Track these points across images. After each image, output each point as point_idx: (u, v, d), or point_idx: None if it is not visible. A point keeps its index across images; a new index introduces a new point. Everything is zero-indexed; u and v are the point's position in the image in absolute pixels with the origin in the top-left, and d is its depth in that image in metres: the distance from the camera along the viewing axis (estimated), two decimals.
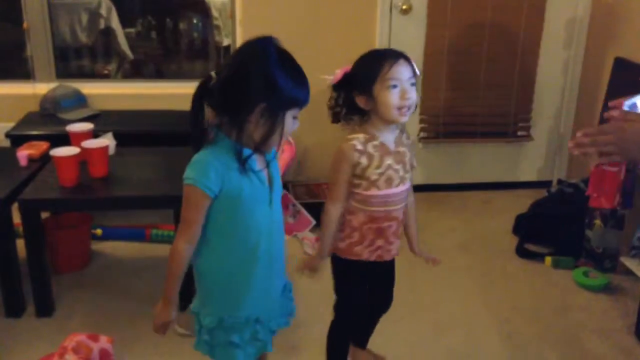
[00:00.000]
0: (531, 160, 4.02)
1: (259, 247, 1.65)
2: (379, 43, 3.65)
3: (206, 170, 1.53)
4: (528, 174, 4.05)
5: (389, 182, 1.90)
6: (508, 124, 3.92)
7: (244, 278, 1.67)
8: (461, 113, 3.85)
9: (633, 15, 3.38)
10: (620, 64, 3.41)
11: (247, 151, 1.57)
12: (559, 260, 3.10)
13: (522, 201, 3.63)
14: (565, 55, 3.82)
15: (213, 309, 1.68)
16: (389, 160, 1.89)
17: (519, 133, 3.95)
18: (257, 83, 1.51)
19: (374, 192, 1.90)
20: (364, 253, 1.98)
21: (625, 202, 2.89)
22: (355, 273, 2.04)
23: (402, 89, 1.82)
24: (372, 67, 1.85)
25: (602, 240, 3.04)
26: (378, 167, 1.88)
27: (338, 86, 1.93)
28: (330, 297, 2.86)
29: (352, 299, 2.10)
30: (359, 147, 1.86)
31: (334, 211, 1.92)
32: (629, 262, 2.95)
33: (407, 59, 1.85)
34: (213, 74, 1.56)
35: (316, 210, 3.46)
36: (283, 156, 3.49)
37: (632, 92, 2.88)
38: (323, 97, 3.91)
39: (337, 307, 2.15)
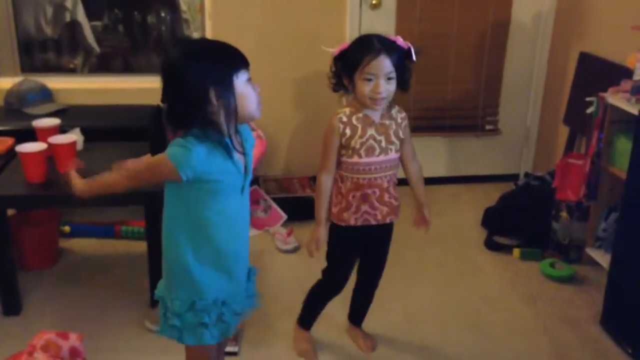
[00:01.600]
0: (499, 154, 4.07)
1: (230, 232, 1.70)
2: (349, 37, 3.65)
3: (187, 153, 1.56)
4: (496, 168, 4.10)
5: (371, 150, 2.09)
6: (476, 117, 3.97)
7: (213, 262, 1.70)
8: (429, 107, 3.88)
9: (598, 10, 3.44)
10: (585, 59, 3.48)
11: (228, 141, 1.62)
12: (526, 252, 3.16)
13: (491, 194, 3.69)
14: (531, 50, 3.88)
15: (182, 294, 1.71)
16: (371, 131, 2.08)
17: (487, 127, 4.00)
18: (195, 77, 1.55)
19: (356, 159, 2.09)
20: (351, 219, 2.16)
21: (590, 194, 2.97)
22: (345, 239, 2.22)
23: (375, 84, 1.99)
24: (355, 56, 2.01)
25: (568, 232, 3.10)
26: (361, 136, 2.07)
27: (335, 60, 2.08)
28: (300, 292, 2.88)
29: (339, 263, 2.28)
30: (344, 119, 2.08)
31: (324, 180, 2.14)
32: (594, 253, 3.02)
33: (390, 52, 1.99)
34: (161, 104, 1.61)
35: (288, 205, 3.48)
36: (254, 151, 3.47)
37: (597, 86, 2.96)
38: (292, 93, 3.93)
39: (325, 270, 2.32)
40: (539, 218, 3.22)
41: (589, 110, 2.94)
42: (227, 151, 1.60)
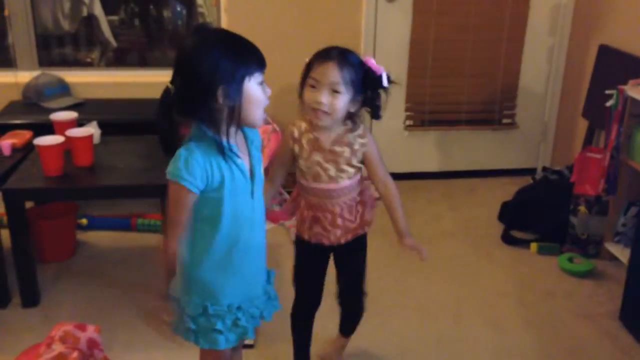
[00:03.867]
0: (516, 148, 4.04)
1: (240, 237, 1.66)
2: (365, 31, 3.64)
3: (190, 167, 1.53)
4: (513, 162, 4.07)
5: (316, 177, 1.91)
6: (493, 111, 3.94)
7: (226, 268, 1.67)
8: (446, 101, 3.85)
9: (617, 2, 3.40)
10: (605, 51, 3.44)
11: (228, 144, 1.58)
12: (544, 246, 3.13)
13: (507, 188, 3.66)
14: (550, 43, 3.84)
15: (196, 298, 1.69)
16: (317, 157, 1.89)
17: (504, 121, 3.97)
18: (206, 71, 1.51)
19: (304, 182, 1.94)
20: (305, 233, 2.02)
21: (609, 188, 2.93)
22: (302, 251, 2.08)
23: (316, 92, 1.82)
24: (309, 62, 1.88)
25: (587, 227, 3.07)
26: (306, 160, 1.90)
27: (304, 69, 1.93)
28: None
29: (297, 282, 2.15)
30: (296, 135, 1.92)
31: (266, 187, 1.83)
32: (613, 248, 2.99)
33: (344, 64, 1.81)
34: (169, 85, 1.56)
35: None
36: (270, 145, 3.48)
37: (616, 79, 2.92)
38: None
39: (293, 283, 2.17)
40: (556, 212, 3.18)
41: (609, 104, 2.90)
42: (223, 153, 1.56)
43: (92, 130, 2.70)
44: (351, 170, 1.92)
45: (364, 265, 2.15)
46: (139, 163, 2.75)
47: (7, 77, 3.55)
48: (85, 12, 4.08)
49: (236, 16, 3.58)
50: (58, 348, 1.98)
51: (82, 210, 3.23)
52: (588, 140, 3.54)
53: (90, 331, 2.11)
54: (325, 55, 1.84)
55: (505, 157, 4.06)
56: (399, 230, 1.99)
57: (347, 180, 1.93)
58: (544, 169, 3.77)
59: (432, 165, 3.99)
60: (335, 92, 1.81)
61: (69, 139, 2.59)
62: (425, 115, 3.85)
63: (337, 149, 1.89)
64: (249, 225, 1.67)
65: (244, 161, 1.63)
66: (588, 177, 3.04)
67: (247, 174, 1.64)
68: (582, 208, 3.07)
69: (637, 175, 2.85)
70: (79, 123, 2.86)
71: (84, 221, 3.19)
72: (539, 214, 3.27)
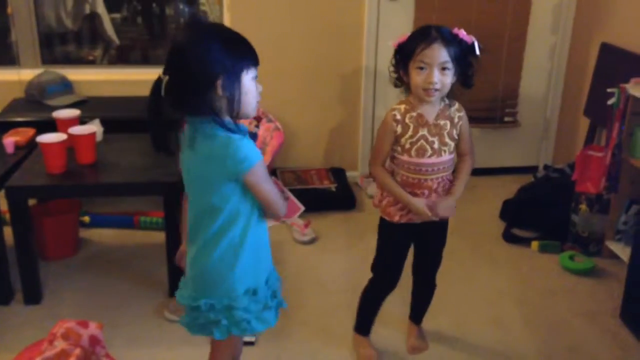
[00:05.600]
0: (518, 146, 4.04)
1: (262, 218, 1.71)
2: (367, 28, 3.64)
3: (250, 145, 1.58)
4: (515, 159, 4.07)
5: (421, 152, 2.02)
6: (495, 109, 3.94)
7: (260, 242, 1.71)
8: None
9: (619, 0, 3.39)
10: (607, 49, 3.43)
11: (243, 127, 1.62)
12: (545, 244, 3.13)
13: (509, 186, 3.66)
14: (552, 41, 3.84)
15: (241, 286, 1.68)
16: (423, 132, 2.02)
17: (506, 119, 3.97)
18: (207, 64, 1.53)
19: (405, 158, 2.04)
20: (396, 215, 2.10)
21: (610, 186, 2.93)
22: (391, 234, 2.16)
23: (428, 73, 1.93)
24: (411, 45, 1.96)
25: (588, 225, 3.07)
26: (412, 137, 2.02)
27: (395, 53, 2.03)
28: (316, 283, 2.89)
29: (385, 259, 2.23)
30: (398, 117, 2.02)
31: (379, 171, 2.09)
32: (614, 246, 2.99)
33: (447, 42, 1.92)
34: (162, 75, 1.56)
35: (305, 196, 3.48)
36: (272, 142, 3.49)
37: (618, 77, 2.92)
38: (309, 85, 3.93)
39: (373, 266, 2.27)
40: (558, 210, 3.19)
41: (610, 102, 2.91)
42: (243, 133, 1.61)
43: (94, 127, 2.71)
44: (452, 143, 2.06)
45: (443, 247, 2.27)
46: (142, 161, 2.76)
47: (10, 74, 3.57)
48: (88, 10, 4.08)
49: (238, 14, 3.59)
50: (60, 345, 1.99)
51: (85, 207, 3.24)
52: (590, 139, 3.53)
53: (93, 328, 2.12)
54: (428, 37, 1.93)
55: (507, 155, 4.06)
56: (452, 190, 2.10)
57: (448, 155, 2.06)
58: (546, 167, 3.77)
59: None
60: (444, 69, 1.93)
61: (71, 137, 2.60)
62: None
63: (441, 122, 2.03)
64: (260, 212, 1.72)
65: None
66: (589, 175, 3.05)
67: None
68: (583, 206, 3.07)
69: (638, 173, 2.85)
70: (82, 121, 2.86)
71: (87, 219, 3.21)
72: (540, 212, 3.27)
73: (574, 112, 3.82)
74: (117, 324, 2.48)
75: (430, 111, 2.03)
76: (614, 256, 2.98)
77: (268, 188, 1.64)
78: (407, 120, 2.02)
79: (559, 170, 3.58)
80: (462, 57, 1.97)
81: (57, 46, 3.97)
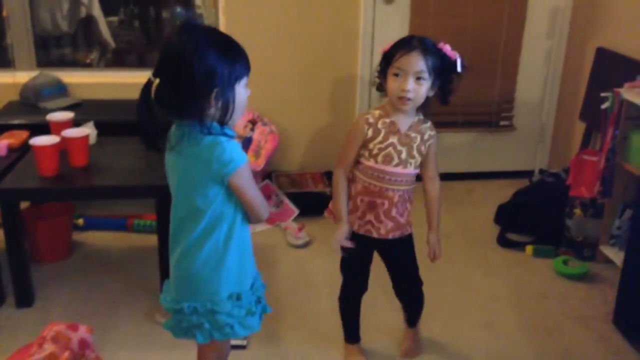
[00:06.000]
0: (513, 150, 4.04)
1: (244, 216, 1.70)
2: (363, 32, 3.64)
3: (237, 147, 1.59)
4: (511, 164, 4.06)
5: (387, 159, 2.03)
6: (491, 113, 3.94)
7: (243, 247, 1.71)
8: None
9: (615, 5, 3.40)
10: (602, 54, 3.44)
11: (231, 132, 1.62)
12: (539, 249, 3.13)
13: (504, 190, 3.65)
14: (547, 45, 3.84)
15: (225, 290, 1.68)
16: (393, 139, 2.02)
17: (502, 123, 3.97)
18: (202, 76, 1.51)
19: (372, 163, 2.04)
20: (355, 223, 2.12)
21: (604, 191, 2.93)
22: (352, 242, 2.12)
23: (403, 80, 1.94)
24: (392, 51, 1.98)
25: (582, 229, 3.06)
26: (381, 142, 2.02)
27: (381, 59, 2.04)
28: (309, 287, 2.89)
29: (343, 270, 2.25)
30: (371, 120, 2.03)
31: (340, 176, 2.09)
32: (608, 251, 2.99)
33: (426, 52, 1.93)
34: (152, 77, 1.55)
35: (300, 200, 3.48)
36: (266, 146, 3.49)
37: (614, 82, 2.92)
38: (305, 88, 3.92)
39: (340, 268, 2.28)
40: (552, 215, 3.18)
41: (604, 106, 2.90)
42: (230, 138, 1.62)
43: (87, 130, 2.70)
44: (418, 158, 2.07)
45: (414, 258, 2.24)
46: (135, 163, 2.75)
47: (5, 77, 3.56)
48: (84, 13, 4.09)
49: (234, 18, 3.59)
50: (49, 348, 1.99)
51: (79, 210, 3.24)
52: (585, 143, 3.53)
53: (82, 331, 2.12)
54: (407, 45, 1.95)
55: (502, 159, 4.06)
56: (431, 223, 2.17)
57: (413, 169, 2.07)
58: (541, 171, 3.77)
59: None
60: (419, 79, 1.94)
61: (64, 139, 2.59)
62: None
63: (412, 134, 2.04)
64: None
65: None
66: (584, 180, 3.04)
67: None
68: (577, 211, 3.07)
69: (632, 178, 2.84)
70: (76, 123, 2.86)
71: (80, 221, 3.20)
72: (534, 217, 3.26)
73: (569, 117, 3.82)
74: (108, 328, 2.47)
75: (403, 121, 2.03)
76: (607, 261, 2.98)
77: (252, 191, 1.64)
78: (379, 125, 2.03)
79: (555, 175, 3.58)
80: (443, 71, 1.97)
81: (52, 49, 3.98)
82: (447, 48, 1.98)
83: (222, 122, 1.59)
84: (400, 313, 2.42)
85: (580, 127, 3.64)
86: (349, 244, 2.09)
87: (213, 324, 1.68)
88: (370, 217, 2.09)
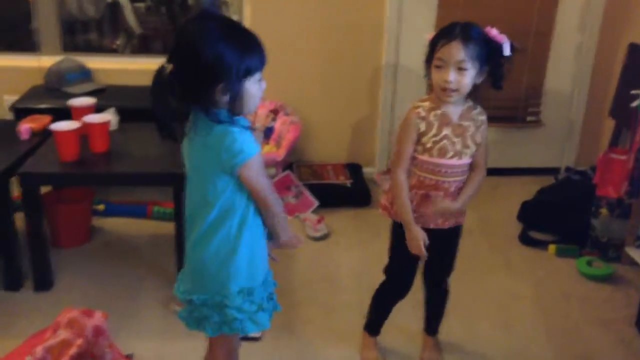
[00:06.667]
0: (540, 146, 3.95)
1: (258, 215, 1.67)
2: (388, 23, 3.59)
3: (248, 138, 1.55)
4: (537, 160, 3.98)
5: (442, 152, 1.96)
6: (518, 108, 3.86)
7: (256, 240, 1.68)
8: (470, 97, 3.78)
9: None
10: (635, 50, 3.33)
11: (245, 121, 1.59)
12: (562, 248, 3.06)
13: (529, 187, 3.58)
14: (578, 40, 3.74)
15: (235, 285, 1.65)
16: (446, 131, 1.95)
17: (529, 118, 3.89)
18: (207, 68, 1.49)
19: (426, 157, 1.97)
20: None
21: (632, 191, 2.85)
22: (402, 238, 2.05)
23: (444, 71, 1.87)
24: (434, 40, 1.91)
25: (608, 230, 2.99)
26: (435, 135, 1.94)
27: (427, 47, 1.95)
28: (326, 281, 2.86)
29: (398, 263, 2.17)
30: (422, 114, 1.96)
31: (400, 176, 2.00)
32: (633, 253, 2.91)
33: (468, 40, 1.84)
34: (165, 64, 1.54)
35: (320, 191, 3.46)
36: (288, 136, 3.46)
37: None
38: (328, 79, 3.88)
39: (386, 270, 2.21)
40: (577, 214, 3.11)
41: (635, 104, 2.82)
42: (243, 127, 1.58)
43: (108, 116, 2.71)
44: (473, 147, 1.98)
45: (457, 249, 2.19)
46: (155, 150, 2.74)
47: (31, 61, 3.58)
48: None
49: (259, 6, 3.56)
50: (63, 334, 1.99)
51: (100, 196, 3.25)
52: (614, 141, 3.44)
53: (97, 318, 2.12)
54: (448, 33, 1.87)
55: (528, 156, 3.98)
56: (458, 198, 2.02)
57: (468, 158, 1.99)
58: (568, 169, 3.69)
59: None
60: (461, 69, 1.85)
61: (85, 125, 2.60)
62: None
63: (465, 123, 1.96)
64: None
65: None
66: (611, 179, 2.96)
67: None
68: (603, 210, 2.99)
69: None
70: (99, 109, 2.86)
71: (101, 207, 3.22)
72: (559, 215, 3.19)
73: (599, 114, 3.73)
74: (124, 314, 2.48)
75: (453, 111, 1.95)
76: (633, 263, 2.90)
77: (263, 184, 1.61)
78: (431, 118, 1.95)
79: (581, 173, 3.50)
80: (490, 57, 1.88)
81: (79, 34, 3.99)
82: (493, 32, 1.89)
83: (232, 113, 1.56)
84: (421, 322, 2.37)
85: (609, 125, 3.54)
86: (427, 243, 2.02)
87: (222, 317, 1.66)
88: (423, 209, 2.02)
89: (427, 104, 1.97)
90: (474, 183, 2.03)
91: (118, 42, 4.26)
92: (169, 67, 1.52)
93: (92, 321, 2.10)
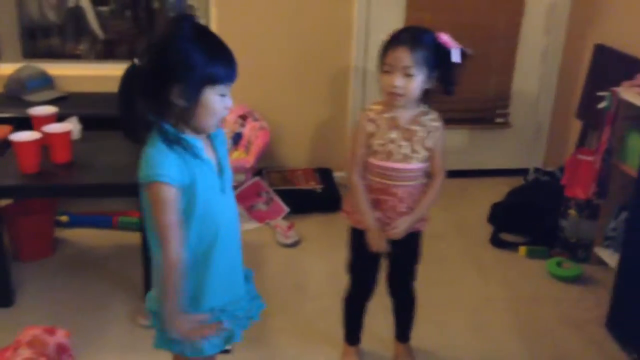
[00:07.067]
0: (509, 147, 3.97)
1: (217, 237, 1.60)
2: (357, 24, 3.57)
3: (163, 161, 1.46)
4: (506, 162, 4.00)
5: (389, 155, 1.96)
6: (486, 109, 3.87)
7: (204, 269, 1.61)
8: (439, 99, 3.76)
9: (613, 1, 3.32)
10: (600, 51, 3.37)
11: (191, 140, 1.52)
12: (533, 250, 3.07)
13: (499, 189, 3.59)
14: (545, 42, 3.76)
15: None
16: (393, 134, 1.95)
17: (497, 119, 3.91)
18: (169, 63, 1.45)
19: (372, 160, 1.98)
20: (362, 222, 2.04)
21: (600, 192, 2.87)
22: (360, 243, 2.06)
23: (391, 76, 1.88)
24: (384, 45, 1.92)
25: (577, 230, 3.00)
26: (382, 138, 1.95)
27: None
28: (298, 288, 2.83)
29: (351, 268, 2.18)
30: (372, 116, 1.98)
31: (355, 180, 2.01)
32: (602, 253, 2.93)
33: (415, 46, 1.85)
34: (136, 60, 1.49)
35: (291, 197, 3.42)
36: (257, 142, 3.42)
37: (612, 79, 2.85)
38: (297, 83, 3.84)
39: (347, 268, 2.21)
40: (547, 215, 3.12)
41: (601, 105, 2.84)
42: (186, 148, 1.50)
43: (70, 126, 2.63)
44: (423, 153, 1.97)
45: (417, 260, 2.17)
46: (120, 160, 2.67)
47: None
48: (72, 3, 3.99)
49: (226, 9, 3.51)
50: (24, 353, 1.92)
51: (64, 206, 3.17)
52: (581, 142, 3.47)
53: (60, 336, 2.06)
54: (396, 39, 1.89)
55: (497, 157, 3.99)
56: (414, 209, 2.02)
57: (417, 163, 1.98)
58: (536, 170, 3.71)
59: None
60: (408, 75, 1.86)
61: (46, 135, 2.52)
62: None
63: (413, 127, 1.96)
64: (224, 223, 1.62)
65: (210, 157, 1.58)
66: (579, 180, 2.98)
67: (215, 169, 1.59)
68: (572, 211, 3.01)
69: (628, 179, 2.78)
70: (61, 117, 2.79)
71: (65, 218, 3.14)
72: (529, 217, 3.21)
73: (566, 115, 3.76)
74: (89, 330, 2.41)
75: (403, 115, 1.96)
76: (602, 263, 2.92)
77: (163, 220, 1.47)
78: (380, 121, 1.96)
79: (550, 174, 3.52)
80: (439, 62, 1.89)
81: (40, 40, 3.88)
82: (444, 38, 1.91)
83: (178, 122, 1.50)
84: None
85: (576, 126, 3.57)
86: (386, 246, 2.03)
87: (163, 333, 1.62)
88: (377, 214, 2.02)
89: (378, 107, 1.99)
90: (431, 190, 2.03)
91: (81, 48, 4.16)
92: (138, 64, 1.49)
93: (55, 339, 2.04)
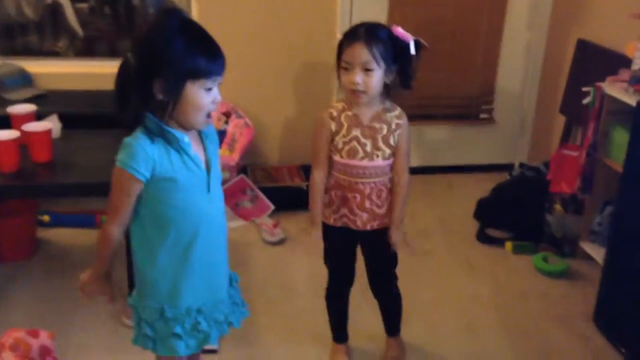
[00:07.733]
0: (493, 143, 3.98)
1: (198, 234, 1.59)
2: (340, 21, 3.54)
3: (135, 153, 1.48)
4: (491, 157, 4.00)
5: (352, 153, 1.96)
6: (470, 105, 3.87)
7: (182, 267, 1.60)
8: (423, 95, 3.77)
9: None
10: (584, 46, 3.38)
11: (177, 134, 1.52)
12: (519, 245, 3.07)
13: (484, 185, 3.59)
14: (528, 37, 3.77)
15: (152, 301, 1.62)
16: (356, 132, 1.94)
17: (482, 116, 3.91)
18: (151, 57, 1.45)
19: (337, 158, 1.98)
20: (331, 217, 2.06)
21: (585, 187, 2.87)
22: (332, 238, 2.10)
23: (351, 73, 1.87)
24: (340, 43, 1.90)
25: (562, 225, 3.01)
26: (344, 136, 1.95)
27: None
28: (284, 286, 2.81)
29: (327, 263, 2.20)
30: (334, 114, 1.97)
31: (316, 177, 2.03)
32: (588, 247, 2.94)
33: (371, 41, 1.84)
34: (129, 54, 1.48)
35: (276, 194, 3.39)
36: (241, 139, 3.38)
37: (595, 75, 2.86)
38: (281, 80, 3.81)
39: (324, 260, 2.21)
40: (532, 210, 3.13)
41: (586, 101, 2.85)
42: (169, 143, 1.51)
43: (49, 124, 2.57)
44: (387, 150, 1.97)
45: (393, 257, 2.16)
46: (101, 159, 2.60)
47: None
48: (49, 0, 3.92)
49: (206, 5, 3.47)
50: (8, 357, 1.88)
51: (44, 206, 3.11)
52: (565, 137, 3.48)
53: (44, 337, 2.02)
54: (352, 35, 1.87)
55: (482, 153, 4.00)
56: (392, 218, 2.04)
57: (381, 161, 1.97)
58: (521, 165, 3.71)
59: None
60: (367, 70, 1.85)
61: (25, 134, 2.46)
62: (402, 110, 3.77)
63: (376, 125, 1.95)
64: (207, 221, 1.61)
65: (197, 153, 1.57)
66: (564, 175, 2.99)
67: (203, 166, 1.58)
68: (557, 206, 3.01)
69: (613, 173, 2.79)
70: (40, 116, 2.73)
71: (46, 218, 3.08)
72: (514, 212, 3.21)
73: (550, 110, 3.77)
74: (73, 331, 2.37)
75: (365, 112, 1.95)
76: (588, 257, 2.93)
77: (115, 199, 1.56)
78: (342, 119, 1.96)
79: (535, 169, 3.53)
80: (397, 56, 1.88)
81: (17, 37, 3.81)
82: (398, 31, 1.90)
83: (162, 117, 1.49)
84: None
85: (560, 121, 3.58)
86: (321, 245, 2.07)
87: (139, 328, 1.64)
88: (344, 210, 2.03)
89: (340, 105, 1.98)
90: (399, 190, 2.03)
91: (60, 45, 4.09)
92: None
93: (38, 341, 2.00)
